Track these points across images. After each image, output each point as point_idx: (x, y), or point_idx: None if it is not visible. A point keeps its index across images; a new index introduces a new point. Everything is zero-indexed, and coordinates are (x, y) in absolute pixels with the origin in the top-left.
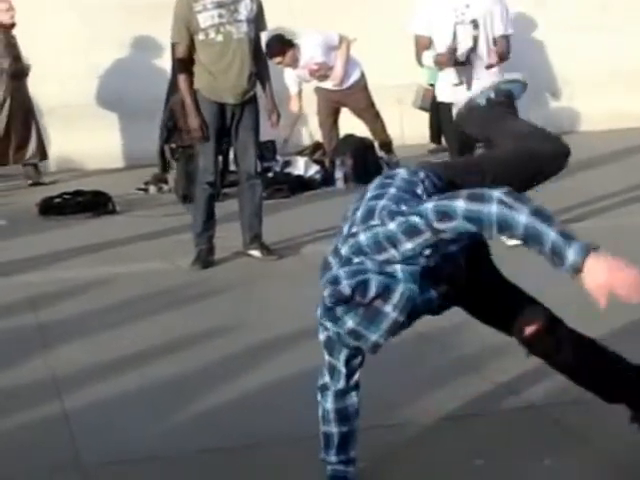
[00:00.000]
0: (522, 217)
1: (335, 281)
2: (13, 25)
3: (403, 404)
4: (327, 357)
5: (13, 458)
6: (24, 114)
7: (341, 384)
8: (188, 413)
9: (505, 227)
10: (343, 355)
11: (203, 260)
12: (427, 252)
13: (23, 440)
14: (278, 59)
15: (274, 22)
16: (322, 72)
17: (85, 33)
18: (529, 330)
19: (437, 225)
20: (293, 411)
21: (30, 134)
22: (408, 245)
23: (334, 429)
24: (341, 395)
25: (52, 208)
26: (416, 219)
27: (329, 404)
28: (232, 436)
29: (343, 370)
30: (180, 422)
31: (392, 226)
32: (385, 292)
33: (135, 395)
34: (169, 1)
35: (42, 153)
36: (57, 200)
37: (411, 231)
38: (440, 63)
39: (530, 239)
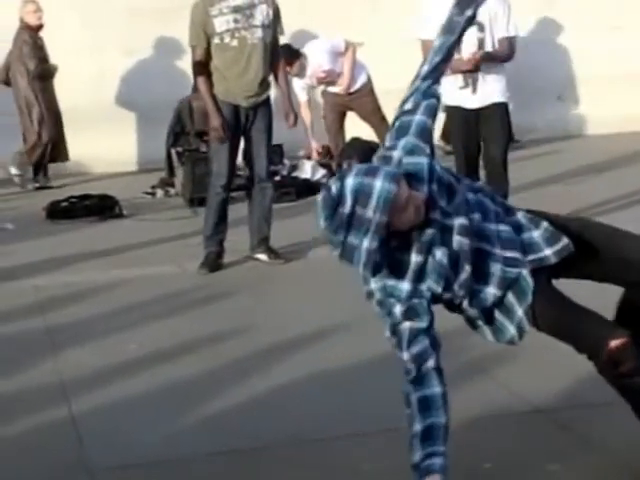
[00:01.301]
0: None
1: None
2: (40, 26)
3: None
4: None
5: (20, 461)
6: (54, 114)
7: (413, 372)
8: (196, 416)
9: None
10: (406, 336)
11: (211, 264)
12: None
13: (30, 443)
14: (286, 69)
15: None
16: (329, 79)
17: (89, 36)
18: (615, 343)
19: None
20: (301, 413)
21: (61, 133)
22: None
23: (418, 425)
24: (417, 383)
25: (59, 212)
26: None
27: (410, 396)
28: (239, 439)
29: (406, 355)
30: (188, 425)
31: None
32: (361, 196)
33: (142, 398)
34: (176, 5)
35: (65, 154)
36: (64, 204)
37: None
38: (454, 68)
39: None
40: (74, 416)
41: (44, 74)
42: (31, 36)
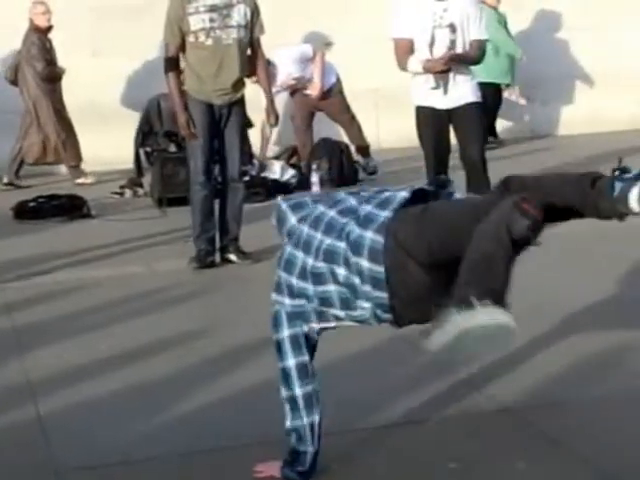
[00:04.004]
0: None
1: None
2: (50, 28)
3: (377, 407)
4: None
5: None
6: (62, 116)
7: None
8: (166, 416)
9: None
10: None
11: (201, 260)
12: None
13: None
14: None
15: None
16: (299, 85)
17: (58, 35)
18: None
19: None
20: (272, 413)
21: (73, 135)
22: None
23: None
24: None
25: (27, 212)
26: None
27: None
28: (210, 438)
29: None
30: (158, 425)
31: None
32: None
33: (112, 398)
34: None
35: (78, 155)
36: (32, 204)
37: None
38: (429, 69)
39: None
40: (41, 416)
41: (51, 76)
42: (39, 38)
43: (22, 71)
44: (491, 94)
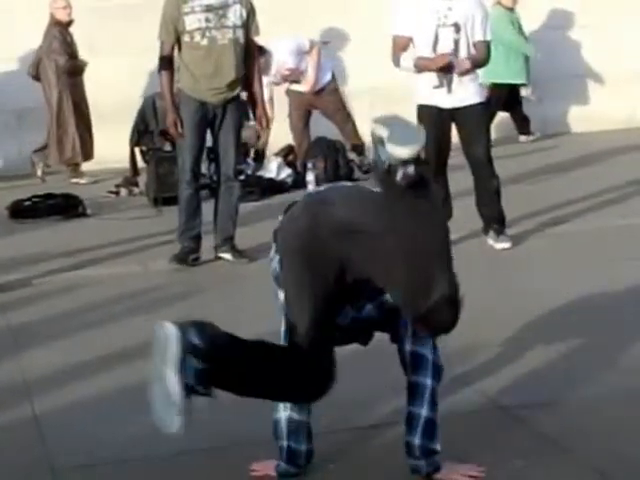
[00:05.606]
0: None
1: None
2: (70, 22)
3: (372, 406)
4: None
5: None
6: (82, 111)
7: None
8: None
9: None
10: None
11: (182, 258)
12: None
13: None
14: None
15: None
16: (294, 77)
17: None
18: None
19: None
20: (267, 412)
21: (89, 131)
22: None
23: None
24: None
25: (22, 211)
26: None
27: None
28: (206, 438)
29: None
30: (154, 424)
31: None
32: None
33: (107, 397)
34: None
35: (91, 152)
36: (27, 203)
37: None
38: (422, 67)
39: None
40: (37, 415)
41: (73, 70)
42: (61, 32)
43: (43, 66)
44: (506, 94)
